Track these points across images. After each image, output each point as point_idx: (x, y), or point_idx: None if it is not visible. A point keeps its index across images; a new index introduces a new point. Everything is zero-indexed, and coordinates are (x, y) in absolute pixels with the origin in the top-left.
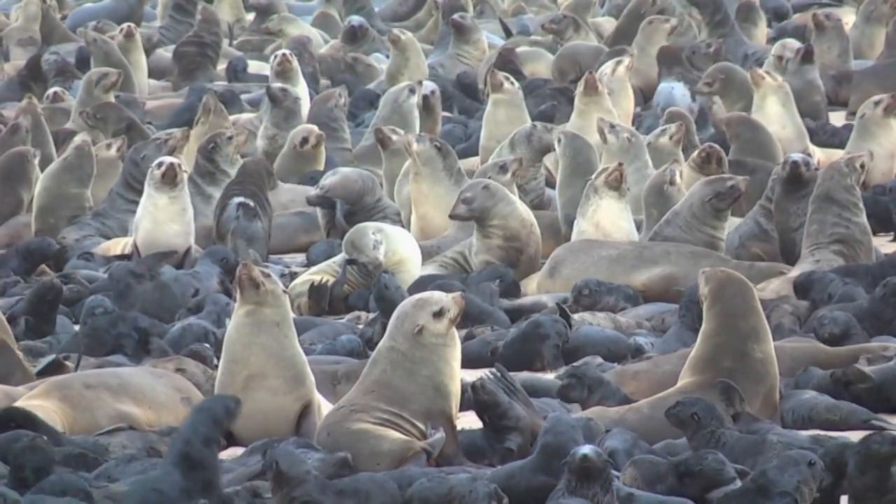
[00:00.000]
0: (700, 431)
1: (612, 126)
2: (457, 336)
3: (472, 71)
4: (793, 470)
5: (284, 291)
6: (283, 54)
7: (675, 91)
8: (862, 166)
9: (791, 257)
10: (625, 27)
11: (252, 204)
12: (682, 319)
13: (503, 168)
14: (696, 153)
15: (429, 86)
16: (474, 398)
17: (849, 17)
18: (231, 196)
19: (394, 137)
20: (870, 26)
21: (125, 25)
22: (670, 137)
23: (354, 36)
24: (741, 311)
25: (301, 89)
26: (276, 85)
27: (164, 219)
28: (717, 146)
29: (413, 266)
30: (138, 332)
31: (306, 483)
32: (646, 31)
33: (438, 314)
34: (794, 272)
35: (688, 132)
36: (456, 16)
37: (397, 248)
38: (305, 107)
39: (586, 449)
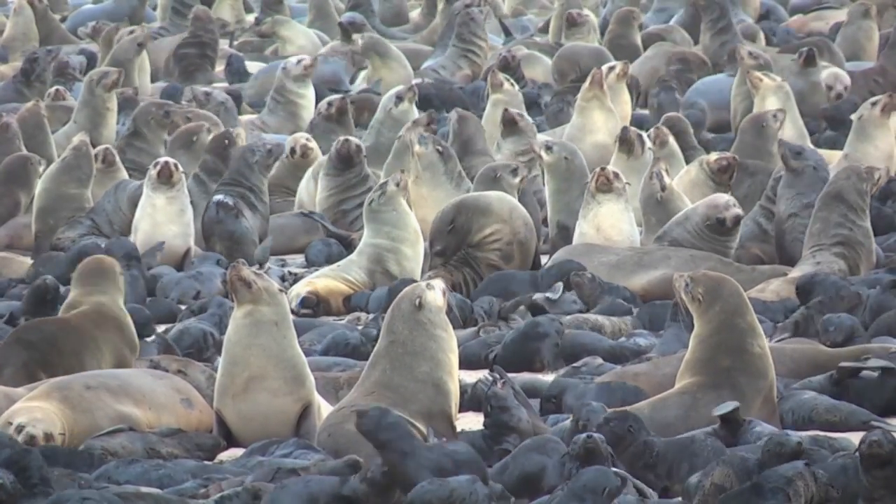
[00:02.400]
0: (633, 444)
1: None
2: (451, 329)
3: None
4: (786, 467)
5: (280, 290)
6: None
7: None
8: (878, 179)
9: (782, 246)
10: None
11: (231, 202)
12: (682, 321)
13: (515, 171)
14: (713, 158)
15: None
16: (486, 391)
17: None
18: (215, 194)
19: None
20: (866, 20)
21: (133, 28)
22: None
23: (347, 33)
24: (739, 309)
25: (309, 93)
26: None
27: (162, 220)
28: (737, 158)
29: (419, 249)
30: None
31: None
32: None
33: (429, 287)
34: (795, 273)
35: (685, 133)
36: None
37: (413, 230)
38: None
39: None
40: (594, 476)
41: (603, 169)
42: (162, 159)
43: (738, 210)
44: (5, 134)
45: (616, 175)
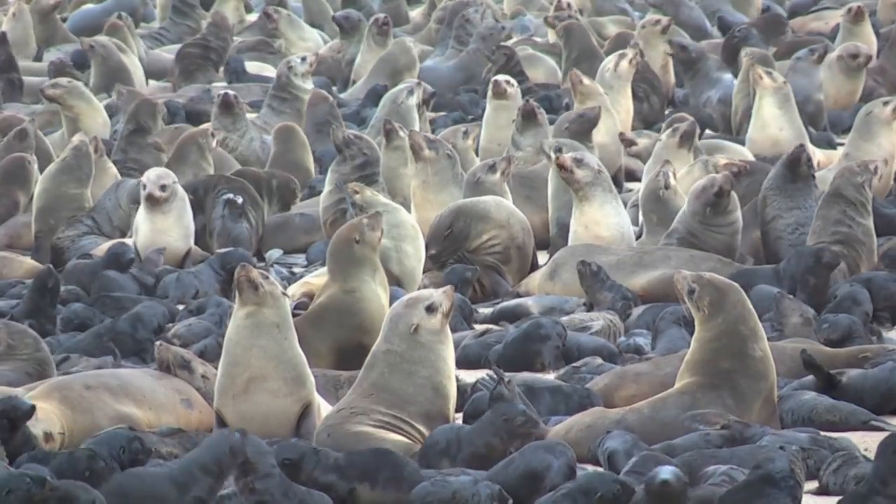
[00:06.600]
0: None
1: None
2: (450, 334)
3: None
4: (778, 455)
5: (283, 293)
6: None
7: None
8: (875, 170)
9: (766, 244)
10: None
11: (239, 202)
12: (683, 319)
13: (492, 168)
14: (723, 162)
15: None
16: (491, 390)
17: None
18: (220, 191)
19: (401, 133)
20: (857, 25)
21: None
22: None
23: (343, 28)
24: (742, 316)
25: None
26: (231, 92)
27: (160, 224)
28: (748, 168)
29: (420, 245)
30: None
31: (271, 478)
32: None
33: (430, 309)
34: None
35: (689, 133)
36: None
37: (411, 225)
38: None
39: (667, 473)
40: (590, 479)
41: (558, 157)
42: (152, 181)
43: (722, 176)
44: (22, 143)
45: (578, 161)
